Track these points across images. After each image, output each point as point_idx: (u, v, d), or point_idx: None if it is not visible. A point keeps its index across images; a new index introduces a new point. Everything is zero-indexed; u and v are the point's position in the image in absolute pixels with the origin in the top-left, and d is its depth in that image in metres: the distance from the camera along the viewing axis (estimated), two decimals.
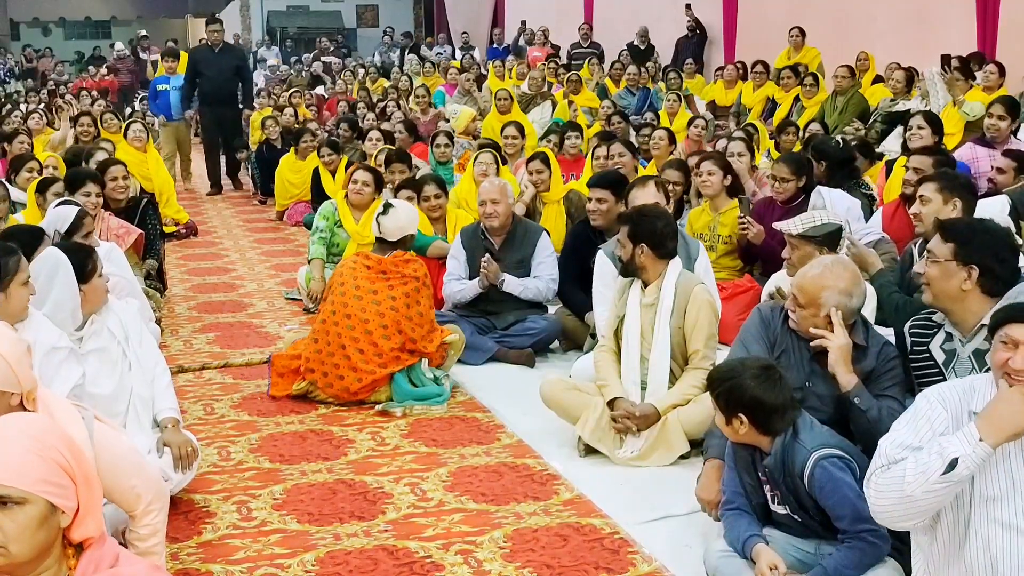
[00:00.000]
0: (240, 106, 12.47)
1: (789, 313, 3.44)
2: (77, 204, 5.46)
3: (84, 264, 3.78)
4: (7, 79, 21.45)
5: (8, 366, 2.54)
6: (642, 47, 15.50)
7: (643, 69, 13.58)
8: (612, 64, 14.80)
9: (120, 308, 3.99)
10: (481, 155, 7.55)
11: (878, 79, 10.84)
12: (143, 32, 21.98)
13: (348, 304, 5.05)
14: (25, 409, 2.67)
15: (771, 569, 2.97)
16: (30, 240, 3.90)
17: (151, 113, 12.43)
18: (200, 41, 23.50)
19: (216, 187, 12.45)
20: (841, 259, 3.61)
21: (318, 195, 9.15)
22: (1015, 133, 7.36)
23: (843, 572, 2.95)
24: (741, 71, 12.73)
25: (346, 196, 7.04)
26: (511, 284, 5.76)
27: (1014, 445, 2.55)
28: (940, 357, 3.30)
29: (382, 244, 5.24)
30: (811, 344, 3.37)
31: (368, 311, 5.02)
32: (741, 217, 5.97)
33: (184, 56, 12.60)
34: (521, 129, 8.87)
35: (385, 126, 11.12)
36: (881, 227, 5.44)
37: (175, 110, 12.21)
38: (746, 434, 3.07)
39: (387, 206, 5.26)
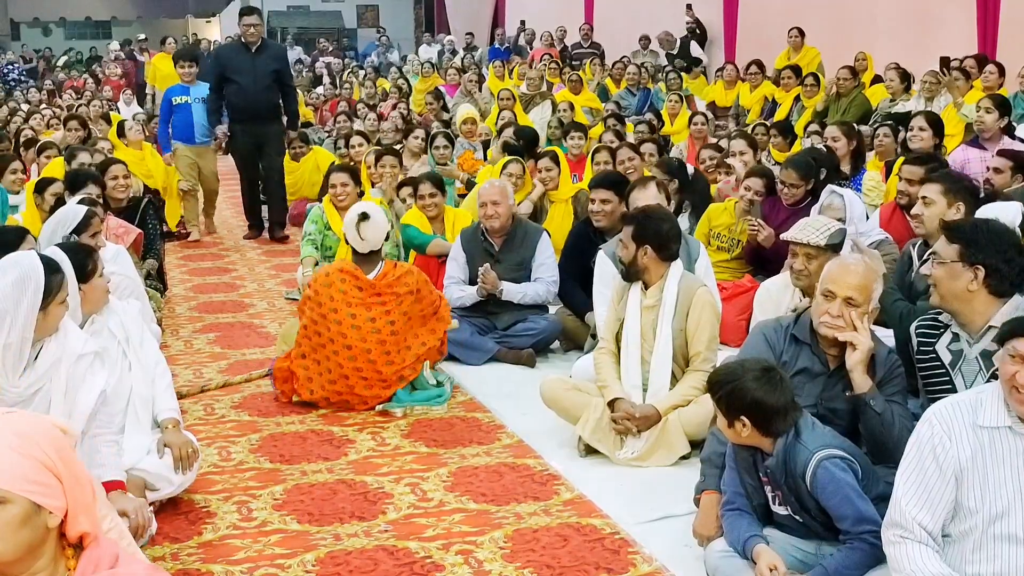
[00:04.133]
0: (283, 122, 9.57)
1: (826, 319, 3.30)
2: (97, 202, 5.50)
3: (84, 264, 3.76)
4: (21, 78, 21.40)
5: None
6: (698, 31, 15.25)
7: (643, 69, 13.58)
8: (665, 66, 14.31)
9: (121, 308, 3.99)
10: (511, 166, 7.45)
11: (877, 79, 10.83)
12: (142, 36, 21.85)
13: (347, 335, 4.91)
14: None
15: (771, 570, 2.97)
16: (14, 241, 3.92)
17: (170, 139, 9.66)
18: (195, 37, 23.16)
19: (256, 227, 9.59)
20: (863, 255, 3.59)
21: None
22: (1010, 134, 7.34)
23: (844, 572, 2.95)
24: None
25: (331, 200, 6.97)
26: (510, 292, 5.76)
27: (1020, 459, 2.55)
28: (947, 358, 3.30)
29: (361, 255, 5.06)
30: (842, 338, 3.28)
31: (368, 340, 4.93)
32: (751, 221, 5.97)
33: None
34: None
35: (384, 126, 11.15)
36: (878, 228, 5.43)
37: (199, 129, 9.43)
38: (748, 436, 3.07)
39: (363, 216, 4.98)
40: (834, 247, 4.06)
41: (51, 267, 3.31)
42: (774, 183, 6.26)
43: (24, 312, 3.19)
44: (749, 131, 9.22)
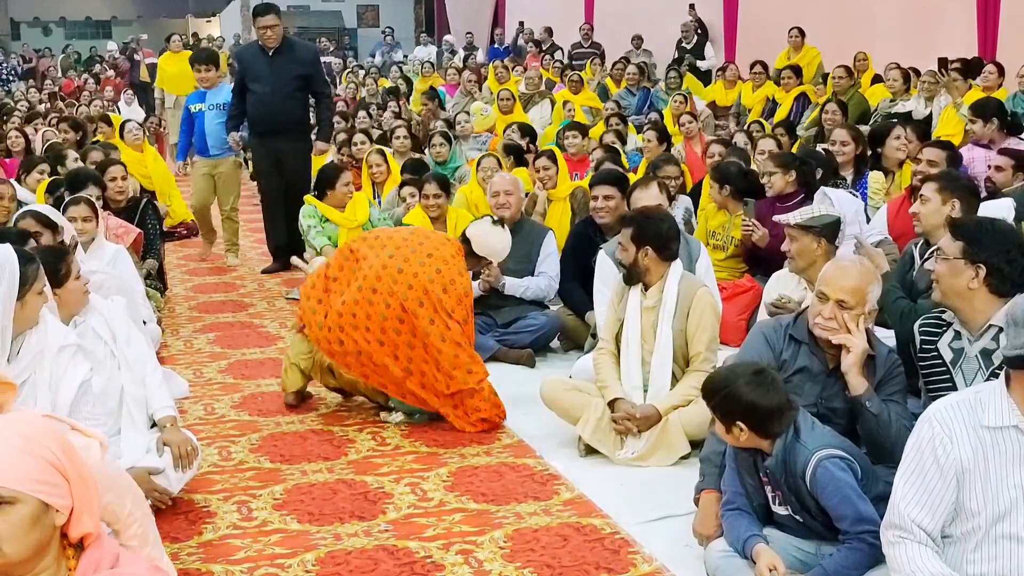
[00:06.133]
0: (313, 136, 8.29)
1: (819, 321, 3.31)
2: (91, 200, 5.52)
3: (57, 268, 3.65)
4: (10, 79, 21.45)
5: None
6: (699, 31, 15.27)
7: (641, 68, 13.57)
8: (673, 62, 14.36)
9: (105, 307, 3.92)
10: (484, 161, 7.57)
11: (877, 79, 10.84)
12: (134, 36, 21.81)
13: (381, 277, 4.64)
14: None
15: (770, 570, 2.97)
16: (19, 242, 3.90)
17: (194, 152, 8.79)
18: (198, 38, 23.06)
19: (280, 259, 7.98)
20: (861, 256, 3.60)
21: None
22: (1014, 133, 7.33)
23: (843, 572, 2.95)
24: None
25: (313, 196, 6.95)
26: (512, 286, 5.78)
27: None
28: (948, 356, 3.30)
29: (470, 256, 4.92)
30: (835, 341, 3.29)
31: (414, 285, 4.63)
32: (745, 221, 5.98)
33: (225, 56, 9.13)
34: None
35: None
36: (886, 223, 5.44)
37: (211, 140, 8.33)
38: (747, 439, 3.06)
39: (499, 222, 4.97)
40: (815, 231, 4.19)
41: (25, 257, 3.29)
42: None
43: (1, 300, 3.18)
44: (746, 129, 9.26)
